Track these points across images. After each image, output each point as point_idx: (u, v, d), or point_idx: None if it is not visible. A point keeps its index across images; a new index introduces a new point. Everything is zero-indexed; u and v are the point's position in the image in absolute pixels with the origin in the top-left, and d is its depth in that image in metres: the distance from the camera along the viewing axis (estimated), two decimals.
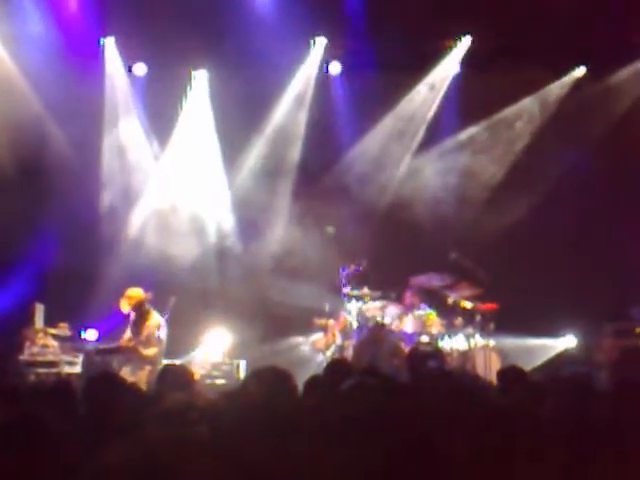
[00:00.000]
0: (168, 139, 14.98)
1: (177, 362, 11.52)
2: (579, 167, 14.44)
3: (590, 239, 14.55)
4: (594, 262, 14.43)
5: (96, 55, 14.51)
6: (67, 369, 12.11)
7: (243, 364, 12.69)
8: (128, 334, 12.14)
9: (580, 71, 15.27)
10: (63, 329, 12.60)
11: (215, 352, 12.97)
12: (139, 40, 14.10)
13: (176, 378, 6.41)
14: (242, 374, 12.42)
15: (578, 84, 15.25)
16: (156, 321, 12.09)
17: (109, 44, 14.56)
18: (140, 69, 14.84)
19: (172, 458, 2.78)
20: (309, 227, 14.29)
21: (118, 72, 14.81)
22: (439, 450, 2.48)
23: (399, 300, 13.75)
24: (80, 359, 12.28)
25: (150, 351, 11.88)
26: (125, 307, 12.17)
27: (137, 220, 14.72)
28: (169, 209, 14.66)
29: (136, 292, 12.18)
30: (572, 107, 15.03)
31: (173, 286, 13.15)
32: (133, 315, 12.17)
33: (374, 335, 12.75)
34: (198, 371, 12.07)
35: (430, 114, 15.24)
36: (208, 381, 12.23)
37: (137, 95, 14.90)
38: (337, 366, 6.76)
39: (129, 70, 14.83)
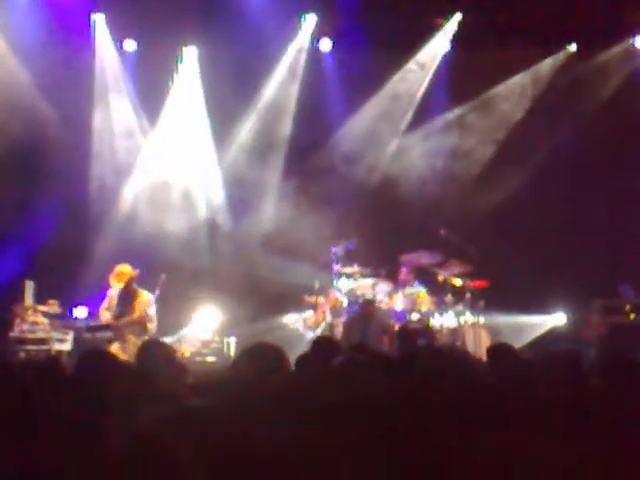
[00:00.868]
0: (158, 116, 14.94)
1: (167, 339, 11.59)
2: (570, 144, 14.46)
3: (580, 216, 14.59)
4: (583, 239, 14.47)
5: (86, 31, 14.44)
6: (57, 346, 12.10)
7: (233, 342, 12.70)
8: (108, 313, 12.15)
9: (571, 48, 15.27)
10: (53, 306, 12.59)
11: (205, 329, 12.98)
12: (129, 16, 14.02)
13: (157, 354, 6.39)
14: (232, 351, 12.44)
15: (569, 61, 15.25)
16: (146, 298, 12.14)
17: (99, 20, 14.50)
18: (130, 45, 14.79)
19: (170, 437, 2.78)
20: (299, 204, 14.29)
21: (108, 48, 14.74)
22: (432, 428, 2.50)
23: (390, 277, 13.77)
24: (70, 336, 12.27)
25: (149, 325, 12.00)
26: (116, 284, 12.20)
27: (127, 197, 14.70)
28: (159, 186, 14.64)
29: (126, 268, 12.20)
30: (563, 84, 15.04)
31: (163, 263, 13.14)
32: (120, 292, 12.18)
33: (364, 312, 12.77)
34: (188, 348, 12.10)
35: (420, 92, 15.24)
36: (198, 358, 12.25)
37: (127, 71, 14.84)
38: (323, 343, 6.77)
39: (119, 46, 14.78)
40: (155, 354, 6.16)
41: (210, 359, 12.30)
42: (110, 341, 11.88)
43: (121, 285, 12.18)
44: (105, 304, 12.33)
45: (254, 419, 2.89)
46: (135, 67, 14.81)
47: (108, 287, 12.42)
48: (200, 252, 14.69)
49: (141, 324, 12.01)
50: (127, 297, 12.15)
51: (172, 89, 14.95)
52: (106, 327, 12.16)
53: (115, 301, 12.23)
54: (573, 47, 15.25)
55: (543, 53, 15.25)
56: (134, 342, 11.65)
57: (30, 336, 12.15)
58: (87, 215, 14.44)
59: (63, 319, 12.63)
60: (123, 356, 10.79)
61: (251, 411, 3.13)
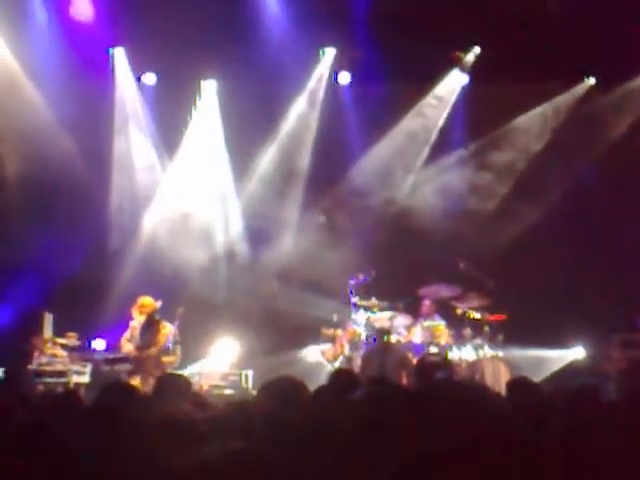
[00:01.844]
0: (177, 148, 15.01)
1: (184, 372, 11.58)
2: (588, 179, 14.44)
3: (599, 251, 14.54)
4: (602, 274, 14.42)
5: (106, 65, 14.56)
6: (75, 379, 12.10)
7: (251, 374, 12.67)
8: (131, 344, 12.16)
9: (589, 82, 15.29)
10: (71, 339, 12.61)
11: (223, 362, 12.96)
12: (148, 50, 14.13)
13: (175, 387, 6.39)
14: (250, 384, 12.41)
15: (588, 95, 15.27)
16: (169, 330, 12.17)
17: (119, 54, 14.62)
18: (150, 79, 14.89)
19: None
20: (317, 237, 14.30)
21: (127, 81, 14.86)
22: (449, 461, 2.48)
23: (408, 310, 13.75)
24: (88, 369, 12.28)
25: (169, 358, 12.00)
26: (138, 315, 12.22)
27: (146, 230, 14.75)
28: (178, 219, 14.69)
29: (148, 300, 12.26)
30: (581, 118, 15.04)
31: (182, 296, 13.17)
32: (143, 324, 12.20)
33: (382, 345, 12.74)
34: (206, 381, 12.08)
35: (438, 125, 15.28)
36: (216, 391, 12.23)
37: (147, 104, 14.94)
38: (341, 376, 6.75)
39: (138, 80, 14.89)
40: (172, 387, 6.17)
41: (228, 392, 12.27)
42: (131, 373, 11.89)
43: (143, 317, 12.20)
44: (127, 335, 12.36)
45: (274, 453, 2.89)
46: (154, 100, 14.91)
47: (130, 319, 12.44)
48: (218, 285, 14.70)
49: (159, 357, 12.02)
50: (150, 329, 12.17)
51: (191, 122, 15.03)
52: (125, 359, 12.18)
53: (137, 332, 12.24)
54: (592, 80, 15.27)
55: (561, 87, 15.28)
56: (156, 375, 11.65)
57: (48, 368, 12.16)
58: (106, 247, 14.49)
59: (81, 351, 12.65)
60: (144, 388, 10.79)
61: (271, 444, 3.13)
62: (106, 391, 6.00)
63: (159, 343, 12.09)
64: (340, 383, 6.25)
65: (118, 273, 14.32)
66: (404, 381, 11.75)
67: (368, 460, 2.82)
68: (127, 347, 12.24)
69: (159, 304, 12.23)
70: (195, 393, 6.72)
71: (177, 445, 3.64)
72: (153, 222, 14.79)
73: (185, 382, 6.59)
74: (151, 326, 12.17)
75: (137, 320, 12.31)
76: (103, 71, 14.51)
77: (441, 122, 15.28)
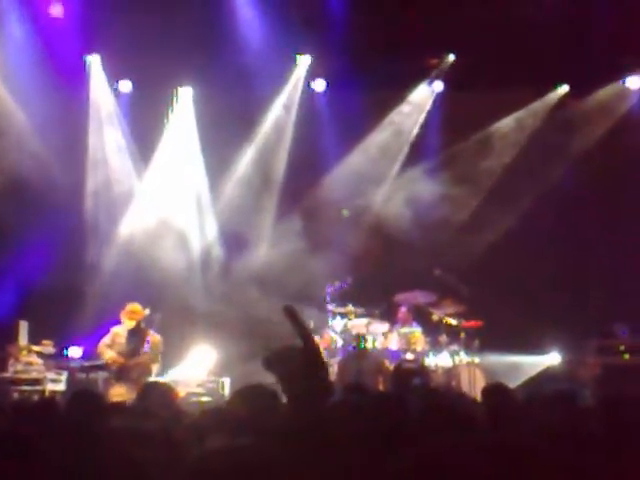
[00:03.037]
0: (153, 155, 14.99)
1: (161, 379, 11.54)
2: (564, 185, 14.51)
3: (574, 256, 14.61)
4: (577, 280, 14.50)
5: (81, 72, 14.53)
6: (51, 387, 12.04)
7: (227, 382, 12.65)
8: (112, 350, 12.05)
9: (563, 89, 15.40)
10: (47, 346, 12.55)
11: (200, 369, 12.93)
12: (124, 57, 14.10)
13: (159, 395, 6.40)
14: (227, 391, 12.39)
15: (561, 102, 15.37)
16: (159, 339, 12.10)
17: (94, 61, 14.60)
18: (125, 86, 14.88)
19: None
20: (294, 244, 14.30)
21: (103, 89, 14.83)
22: (425, 467, 2.50)
23: (384, 317, 13.77)
24: (64, 377, 12.22)
25: (154, 366, 11.97)
26: (127, 321, 12.06)
27: (122, 236, 14.70)
28: (154, 225, 14.64)
29: (137, 308, 12.12)
30: (555, 125, 15.14)
31: (158, 303, 13.11)
32: (131, 331, 12.06)
33: (358, 352, 12.75)
34: (183, 388, 12.05)
35: (414, 132, 15.33)
36: (193, 398, 12.19)
37: (122, 111, 14.92)
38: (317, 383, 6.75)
39: (114, 87, 14.86)
40: (156, 395, 6.17)
41: (205, 399, 12.24)
42: (116, 380, 11.78)
43: (132, 324, 12.07)
44: (107, 340, 12.03)
45: (247, 460, 2.89)
46: (130, 107, 14.89)
47: (111, 324, 12.29)
48: (195, 291, 14.67)
49: (148, 365, 11.95)
50: (137, 336, 12.03)
51: (167, 129, 15.02)
52: (101, 367, 12.09)
53: (121, 339, 12.03)
54: (565, 88, 15.39)
55: (536, 94, 15.37)
56: (139, 383, 11.60)
57: (24, 376, 12.09)
58: (82, 254, 14.43)
59: (57, 359, 12.58)
60: (129, 395, 10.73)
61: (244, 452, 3.13)
62: (73, 399, 6.00)
63: (151, 352, 11.98)
64: (316, 390, 6.26)
65: (94, 280, 14.27)
66: (381, 387, 11.77)
67: (345, 466, 2.83)
68: (108, 354, 11.94)
69: (147, 312, 12.13)
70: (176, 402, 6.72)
71: (149, 453, 3.64)
72: (129, 229, 14.75)
73: (169, 390, 6.60)
74: (138, 334, 12.07)
75: (125, 326, 12.10)
76: (78, 78, 14.47)
77: (416, 129, 15.34)
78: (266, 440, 3.08)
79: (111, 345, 11.99)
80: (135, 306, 12.15)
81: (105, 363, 11.99)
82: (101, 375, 12.13)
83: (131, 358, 11.90)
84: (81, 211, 14.60)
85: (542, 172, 14.77)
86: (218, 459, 2.59)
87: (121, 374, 11.81)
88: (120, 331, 12.09)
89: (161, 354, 12.19)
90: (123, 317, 12.13)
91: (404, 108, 15.30)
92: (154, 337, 12.11)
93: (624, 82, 15.23)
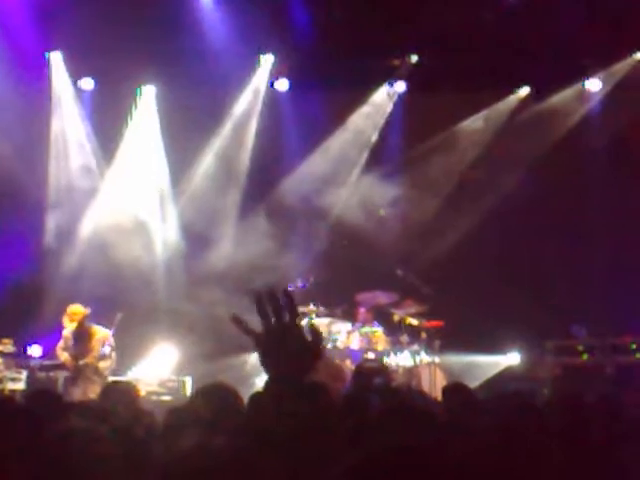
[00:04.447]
0: (115, 153, 14.93)
1: (123, 378, 11.52)
2: (524, 187, 14.62)
3: (533, 257, 14.73)
4: (537, 280, 14.62)
5: (42, 69, 14.44)
6: (11, 385, 11.97)
7: (189, 381, 12.64)
8: (66, 353, 12.05)
9: (523, 91, 15.52)
10: (7, 345, 12.47)
11: (162, 368, 12.91)
12: (86, 55, 14.03)
13: (121, 394, 6.39)
14: (188, 391, 12.37)
15: (522, 104, 15.49)
16: (103, 334, 12.12)
17: (55, 58, 14.51)
18: (87, 84, 14.80)
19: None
20: (256, 243, 14.30)
21: (65, 87, 14.75)
22: (385, 467, 2.52)
23: (346, 317, 13.80)
24: (24, 375, 12.15)
25: (104, 364, 11.94)
26: (69, 324, 12.12)
27: (84, 234, 14.63)
28: (116, 223, 14.58)
29: (78, 308, 12.16)
30: (516, 127, 15.26)
31: (120, 301, 13.08)
32: (74, 332, 12.09)
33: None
34: (144, 388, 12.02)
35: (376, 133, 15.38)
36: (154, 398, 12.17)
37: (84, 109, 14.85)
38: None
39: (76, 84, 14.78)
40: (116, 394, 6.17)
41: (166, 398, 12.22)
42: (71, 382, 11.80)
43: (74, 325, 12.11)
44: (62, 344, 12.22)
45: (207, 459, 2.91)
46: (92, 105, 14.82)
47: (63, 327, 12.32)
48: (157, 290, 14.64)
49: (94, 363, 11.95)
50: (82, 336, 12.08)
51: (129, 127, 14.97)
52: (61, 366, 12.09)
53: (69, 341, 12.14)
54: (525, 90, 15.51)
55: (497, 96, 15.48)
56: (96, 380, 11.63)
57: None
58: (42, 253, 14.35)
59: (17, 358, 12.51)
60: (89, 395, 10.77)
61: (205, 450, 3.14)
62: (32, 398, 5.98)
63: (94, 349, 12.01)
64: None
65: (55, 278, 14.19)
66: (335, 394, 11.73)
67: (305, 467, 2.85)
68: (63, 356, 12.12)
69: (89, 310, 12.16)
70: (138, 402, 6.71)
71: (109, 453, 3.64)
72: (91, 226, 14.68)
73: (132, 389, 6.60)
74: (83, 334, 12.11)
75: (69, 329, 12.20)
76: (40, 75, 14.38)
77: (378, 130, 15.39)
78: (237, 439, 3.10)
79: (65, 348, 12.15)
80: (74, 307, 12.19)
81: (64, 364, 12.06)
82: (61, 374, 12.11)
83: (80, 359, 11.95)
84: (43, 208, 14.51)
85: (503, 173, 14.87)
86: (190, 459, 2.60)
87: (75, 375, 11.89)
88: (67, 334, 12.22)
89: (115, 350, 12.18)
90: (65, 320, 12.18)
91: (366, 108, 15.35)
92: (98, 334, 12.12)
93: (584, 84, 15.37)
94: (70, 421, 4.99)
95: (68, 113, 14.85)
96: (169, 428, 4.87)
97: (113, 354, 12.23)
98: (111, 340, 12.20)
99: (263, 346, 2.87)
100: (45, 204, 14.54)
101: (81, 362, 11.94)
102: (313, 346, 2.88)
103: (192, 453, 2.68)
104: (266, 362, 2.89)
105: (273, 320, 2.83)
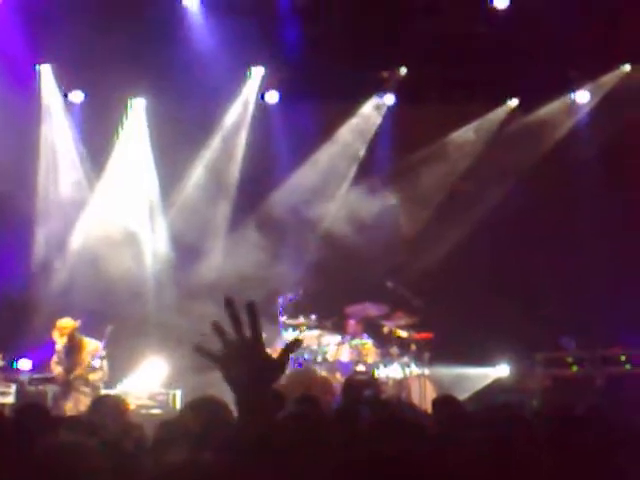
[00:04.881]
0: (105, 166, 14.92)
1: (112, 391, 11.49)
2: (514, 198, 14.65)
3: (523, 270, 14.74)
4: (527, 292, 14.63)
5: (32, 82, 14.43)
6: (0, 399, 11.92)
7: (179, 394, 12.60)
8: (60, 367, 12.04)
9: (512, 103, 15.57)
10: None
11: (151, 381, 12.88)
12: (76, 67, 14.02)
13: (110, 408, 6.39)
14: (178, 404, 12.34)
15: (511, 116, 15.54)
16: (93, 346, 12.11)
17: (45, 71, 14.50)
18: (77, 96, 14.78)
19: None
20: (247, 255, 14.29)
21: (54, 99, 14.74)
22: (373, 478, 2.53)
23: (336, 329, 13.79)
24: (13, 389, 12.11)
25: (95, 375, 11.94)
26: (59, 339, 12.12)
27: (73, 248, 14.60)
28: (106, 236, 14.56)
29: (67, 322, 12.16)
30: (506, 139, 15.30)
31: (110, 314, 13.04)
32: (65, 346, 12.09)
33: (304, 374, 12.72)
34: (133, 401, 11.99)
35: (365, 145, 15.40)
36: (143, 411, 12.13)
37: (74, 122, 14.84)
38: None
39: (65, 97, 14.77)
40: (106, 408, 6.16)
41: (156, 411, 12.19)
42: (62, 395, 11.79)
43: (64, 339, 12.10)
44: (55, 358, 12.22)
45: (198, 472, 2.90)
46: (82, 118, 14.81)
47: (53, 341, 12.30)
48: (146, 303, 14.61)
49: (84, 376, 11.95)
50: (73, 349, 12.08)
51: (119, 140, 14.96)
52: (51, 379, 12.07)
53: (62, 355, 12.14)
54: (514, 102, 15.57)
55: (486, 108, 15.53)
56: (88, 392, 11.62)
57: None
58: (31, 266, 14.31)
59: (6, 371, 12.46)
60: (80, 408, 10.76)
61: (195, 464, 3.14)
62: (21, 413, 5.97)
63: (84, 362, 12.02)
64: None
65: (44, 291, 14.16)
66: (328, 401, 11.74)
67: (295, 478, 2.85)
68: (57, 370, 12.11)
69: (78, 323, 12.16)
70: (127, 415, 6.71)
71: (98, 467, 3.63)
72: (81, 239, 14.65)
73: (121, 403, 6.59)
74: (74, 347, 12.11)
75: (60, 343, 12.19)
76: (29, 88, 14.37)
77: (367, 142, 15.41)
78: (224, 454, 3.09)
79: (59, 362, 12.16)
80: (63, 321, 12.20)
81: (54, 378, 12.06)
82: (51, 388, 12.08)
83: (71, 372, 11.96)
84: (32, 222, 14.48)
85: (492, 185, 14.91)
86: (177, 474, 2.60)
87: (66, 389, 11.88)
88: (59, 348, 12.21)
89: (106, 361, 12.17)
90: (55, 335, 12.18)
91: (355, 121, 15.38)
92: (87, 346, 12.13)
93: (573, 96, 15.43)
94: (59, 435, 4.98)
95: (58, 126, 14.83)
96: (158, 442, 4.87)
97: (105, 366, 12.21)
98: (102, 352, 12.19)
99: (223, 361, 2.88)
100: (34, 217, 14.51)
101: (72, 376, 11.93)
102: (277, 363, 2.87)
103: (180, 468, 2.68)
104: (228, 376, 2.89)
105: (234, 335, 2.84)
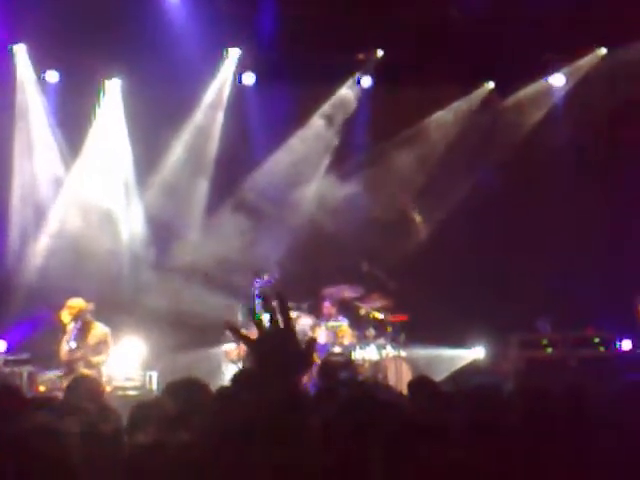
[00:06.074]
0: (81, 146, 14.85)
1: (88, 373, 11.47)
2: (490, 181, 14.70)
3: (498, 252, 14.80)
4: (501, 275, 14.70)
5: (6, 62, 14.32)
6: None
7: (155, 375, 12.60)
8: (68, 346, 12.00)
9: (488, 86, 15.59)
10: None
11: (128, 363, 12.86)
12: (51, 47, 13.92)
13: (86, 390, 6.38)
14: (155, 385, 12.35)
15: (487, 99, 15.57)
16: (103, 330, 12.09)
17: (20, 51, 14.39)
18: (52, 76, 14.69)
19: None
20: (224, 236, 14.29)
21: (29, 79, 14.64)
22: (353, 462, 2.55)
23: (312, 311, 13.83)
24: None
25: (99, 358, 11.92)
26: (66, 317, 12.07)
27: (49, 229, 14.54)
28: (81, 216, 14.50)
29: (77, 302, 12.13)
30: (482, 121, 15.33)
31: (86, 295, 12.99)
32: (75, 325, 12.05)
33: None
34: (110, 382, 11.99)
35: (341, 128, 15.38)
36: (120, 392, 12.13)
37: (49, 102, 14.75)
38: (242, 377, 6.77)
39: (41, 77, 14.67)
40: (82, 389, 6.15)
41: (132, 393, 12.19)
42: (65, 375, 11.75)
43: (70, 318, 12.08)
44: (65, 338, 12.14)
45: (175, 454, 2.91)
46: (57, 98, 14.72)
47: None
48: (123, 283, 14.58)
49: (87, 357, 11.95)
50: (80, 331, 12.07)
51: (95, 121, 14.89)
52: (27, 361, 12.06)
53: (68, 336, 12.09)
54: (491, 85, 15.59)
55: (462, 91, 15.54)
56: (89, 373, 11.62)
57: None
58: (6, 247, 14.25)
59: None
60: None
61: (173, 445, 3.15)
62: None
63: (88, 344, 11.99)
64: (243, 384, 6.28)
65: (20, 273, 14.10)
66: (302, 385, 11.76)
67: (272, 460, 2.86)
68: (63, 350, 12.06)
69: (91, 306, 12.15)
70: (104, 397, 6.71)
71: (73, 450, 3.63)
72: (57, 220, 14.59)
73: (96, 384, 6.58)
74: (82, 328, 12.09)
75: (67, 322, 12.17)
76: (3, 68, 14.26)
77: (344, 125, 15.39)
78: (198, 436, 3.10)
79: (66, 342, 12.09)
80: (73, 301, 12.17)
81: (28, 358, 12.04)
82: (26, 369, 12.04)
83: (74, 353, 11.94)
84: (7, 201, 14.41)
85: (468, 170, 14.95)
86: (150, 454, 2.60)
87: (67, 370, 11.86)
88: (69, 328, 12.17)
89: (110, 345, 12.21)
90: (63, 314, 12.16)
91: (332, 103, 15.36)
92: (97, 328, 12.13)
93: (548, 79, 15.47)
94: (35, 417, 4.97)
95: (33, 106, 14.74)
96: (132, 423, 4.87)
97: (109, 349, 12.21)
98: (109, 338, 12.18)
99: (259, 352, 2.87)
100: (8, 198, 14.43)
101: (75, 356, 11.92)
102: (306, 354, 2.89)
103: (150, 448, 2.68)
104: (260, 368, 2.88)
105: (269, 325, 2.86)
